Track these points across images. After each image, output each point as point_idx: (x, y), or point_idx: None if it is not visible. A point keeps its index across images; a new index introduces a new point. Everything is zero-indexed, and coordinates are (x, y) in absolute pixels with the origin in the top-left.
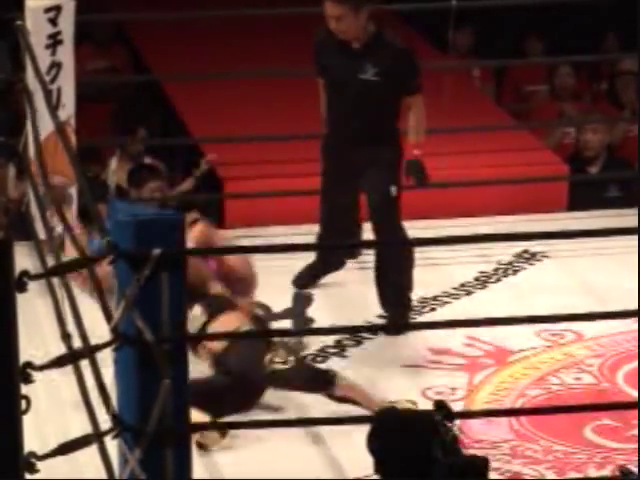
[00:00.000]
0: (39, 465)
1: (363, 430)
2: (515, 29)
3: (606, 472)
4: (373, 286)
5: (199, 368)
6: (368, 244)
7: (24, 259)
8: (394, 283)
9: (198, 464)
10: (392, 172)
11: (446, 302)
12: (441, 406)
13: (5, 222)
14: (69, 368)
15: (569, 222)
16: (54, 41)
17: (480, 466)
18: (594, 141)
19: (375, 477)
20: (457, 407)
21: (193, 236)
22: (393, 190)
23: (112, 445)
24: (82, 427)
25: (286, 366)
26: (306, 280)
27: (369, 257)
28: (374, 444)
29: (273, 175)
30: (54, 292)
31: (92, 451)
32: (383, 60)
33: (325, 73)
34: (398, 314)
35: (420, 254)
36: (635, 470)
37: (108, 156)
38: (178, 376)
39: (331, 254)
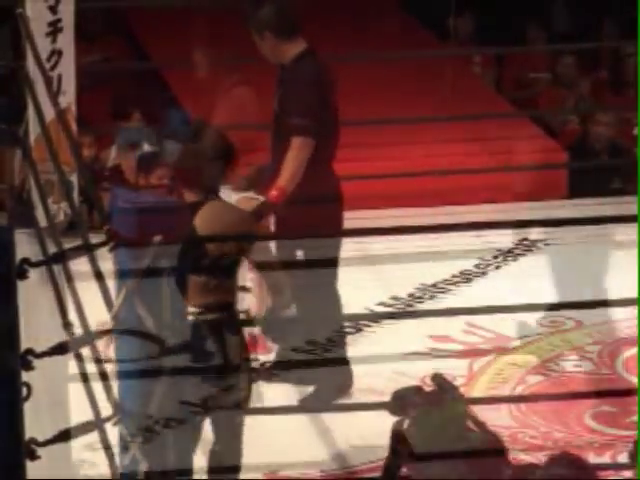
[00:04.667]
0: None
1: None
2: (516, 15)
3: (605, 458)
4: (374, 273)
5: None
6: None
7: (25, 246)
8: None
9: (199, 450)
10: None
11: (446, 289)
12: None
13: (6, 208)
14: (70, 355)
15: (569, 210)
16: (54, 29)
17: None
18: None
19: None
20: None
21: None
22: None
23: (113, 432)
24: (83, 414)
25: None
26: None
27: (370, 245)
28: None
29: None
30: (55, 280)
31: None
32: (282, 91)
33: None
34: None
35: (421, 242)
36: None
37: (107, 144)
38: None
39: None
